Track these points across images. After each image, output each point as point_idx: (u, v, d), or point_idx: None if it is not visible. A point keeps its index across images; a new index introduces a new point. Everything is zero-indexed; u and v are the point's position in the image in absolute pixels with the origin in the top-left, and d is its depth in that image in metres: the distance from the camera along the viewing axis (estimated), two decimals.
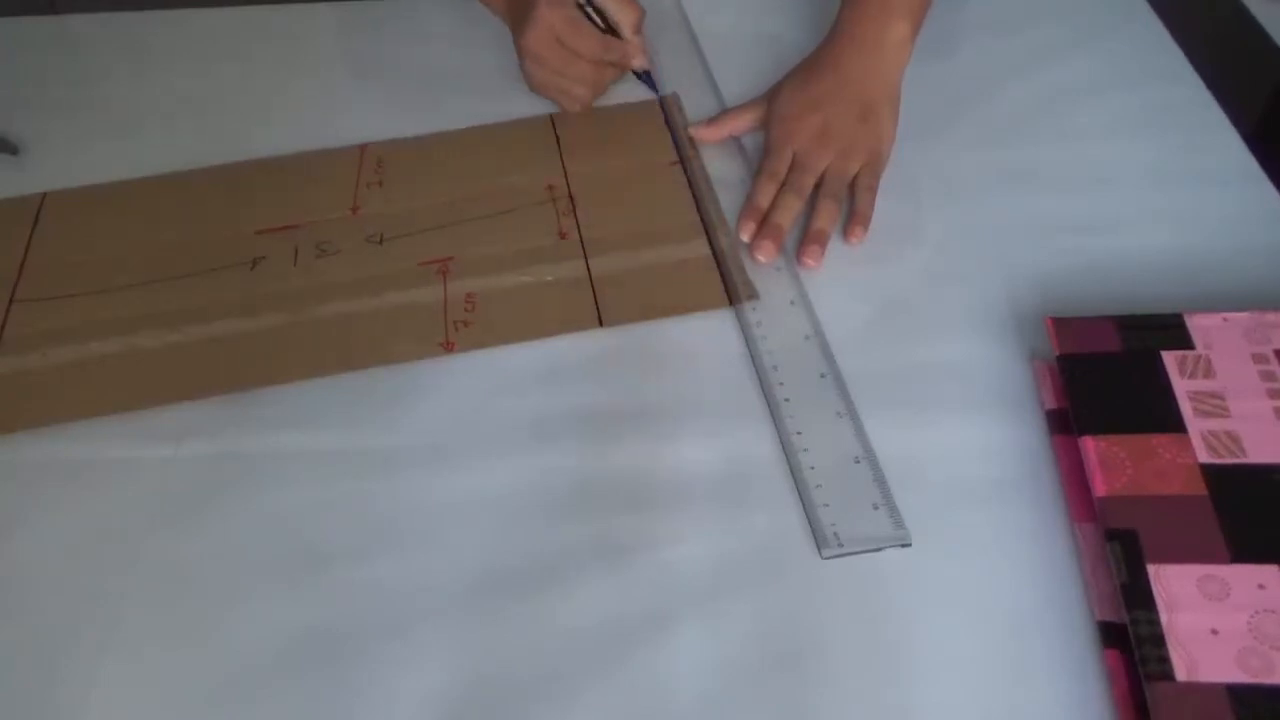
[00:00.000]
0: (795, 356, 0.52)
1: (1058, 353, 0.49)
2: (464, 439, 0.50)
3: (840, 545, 0.45)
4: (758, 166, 0.61)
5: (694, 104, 0.67)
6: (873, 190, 0.59)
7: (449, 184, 0.62)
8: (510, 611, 0.44)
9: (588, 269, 0.57)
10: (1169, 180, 0.60)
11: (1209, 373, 0.47)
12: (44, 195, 0.63)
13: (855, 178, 0.60)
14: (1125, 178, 0.60)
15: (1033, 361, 0.51)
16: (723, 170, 0.63)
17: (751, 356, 0.52)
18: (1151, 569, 0.41)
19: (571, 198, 0.61)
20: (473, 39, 0.71)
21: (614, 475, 0.48)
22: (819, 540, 0.45)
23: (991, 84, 0.67)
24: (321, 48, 0.74)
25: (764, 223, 0.58)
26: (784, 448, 0.49)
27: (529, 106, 0.66)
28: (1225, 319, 0.48)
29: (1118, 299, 0.52)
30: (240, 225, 0.60)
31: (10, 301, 0.57)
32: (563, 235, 0.59)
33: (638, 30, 0.63)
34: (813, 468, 0.48)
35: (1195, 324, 0.48)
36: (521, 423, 0.50)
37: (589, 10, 0.62)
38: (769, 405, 0.50)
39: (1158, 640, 0.39)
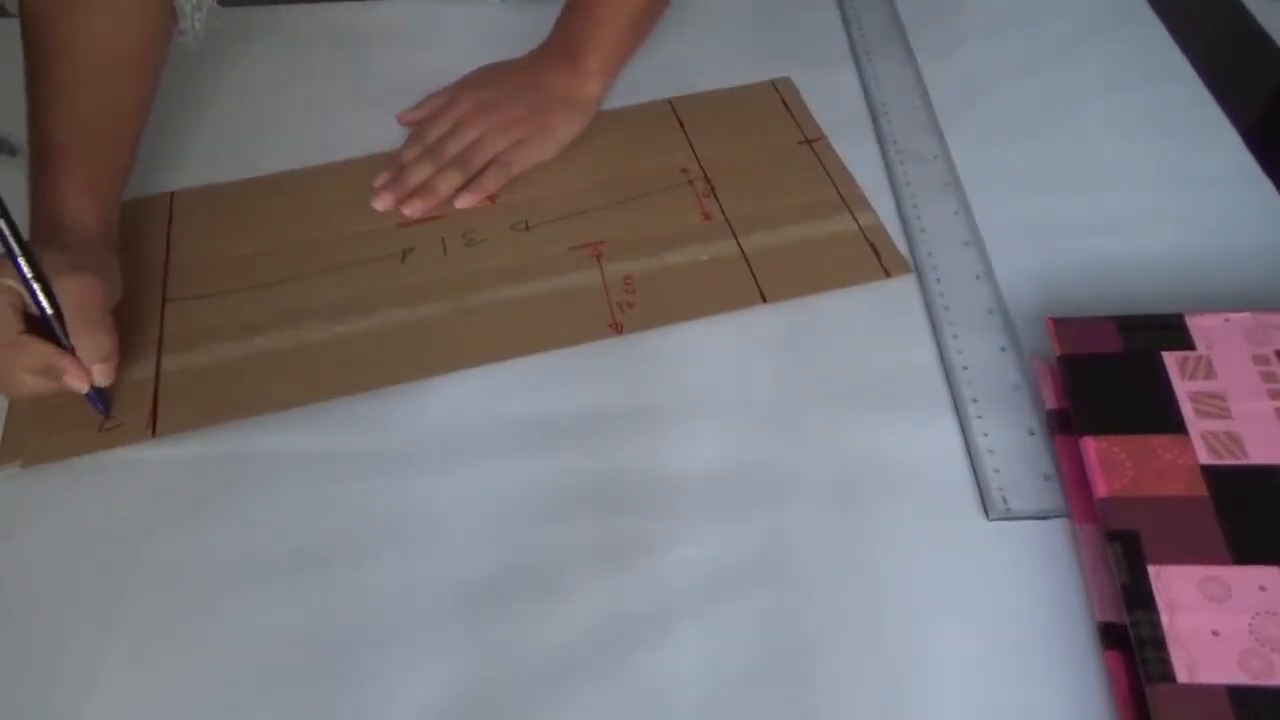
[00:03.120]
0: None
1: (1058, 353, 0.49)
2: (465, 439, 0.50)
3: (1010, 508, 0.46)
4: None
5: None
6: (507, 169, 0.62)
7: (581, 171, 0.63)
8: (511, 612, 0.44)
9: (740, 248, 0.57)
10: (1169, 180, 0.60)
11: (1210, 373, 0.46)
12: (172, 194, 0.63)
13: (498, 154, 0.62)
14: (1125, 178, 0.60)
15: (1033, 361, 0.51)
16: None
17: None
18: (1152, 570, 0.41)
19: (708, 179, 0.61)
20: (476, 39, 0.71)
21: (613, 474, 0.48)
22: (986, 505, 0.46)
23: (991, 84, 0.67)
24: (321, 49, 0.74)
25: (400, 180, 0.61)
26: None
27: None
28: (1226, 319, 0.48)
29: (1118, 299, 0.52)
30: (379, 219, 0.61)
31: (164, 301, 0.57)
32: (706, 217, 0.59)
33: (101, 359, 0.50)
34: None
35: (1196, 324, 0.48)
36: (527, 425, 0.50)
37: (44, 306, 0.48)
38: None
39: (1159, 641, 0.39)
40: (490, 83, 0.65)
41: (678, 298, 0.55)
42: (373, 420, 0.51)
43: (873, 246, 0.57)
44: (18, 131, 0.66)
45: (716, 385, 0.52)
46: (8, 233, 0.46)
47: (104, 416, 0.51)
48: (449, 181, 0.61)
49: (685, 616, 0.43)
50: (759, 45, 0.71)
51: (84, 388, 0.50)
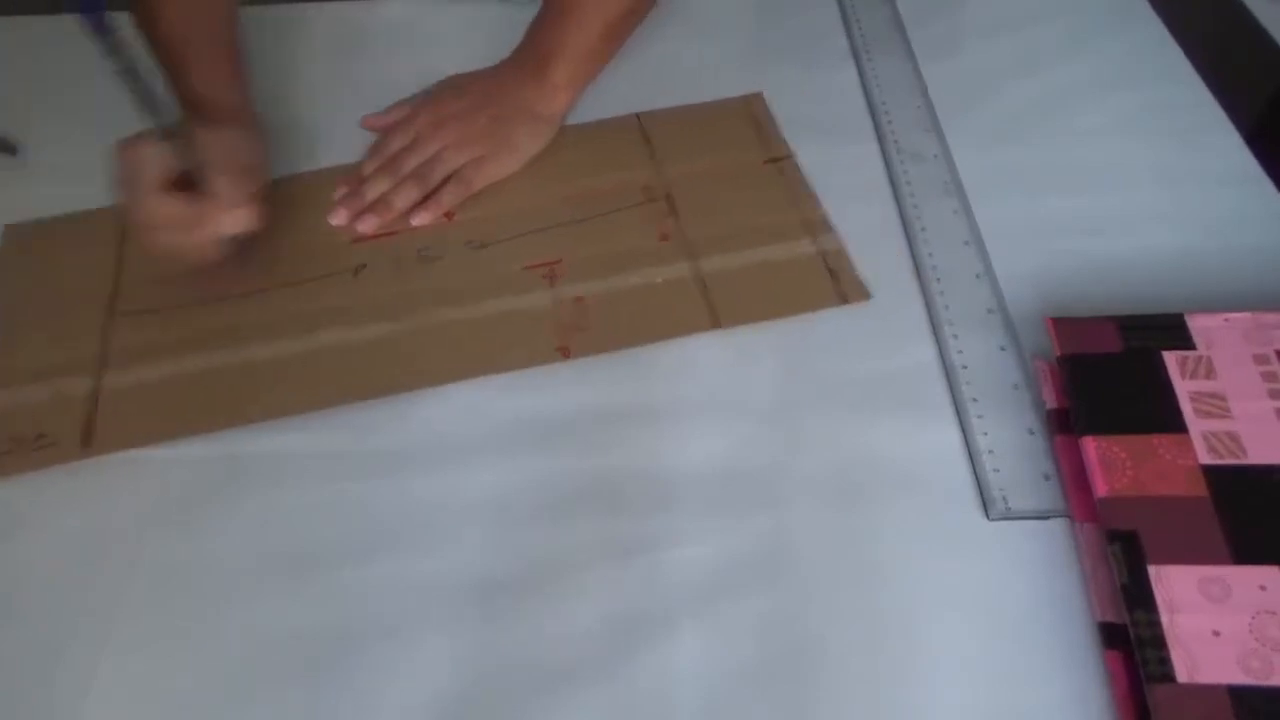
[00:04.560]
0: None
1: (1058, 353, 0.49)
2: (465, 439, 0.50)
3: (1010, 508, 0.46)
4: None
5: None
6: (466, 186, 0.60)
7: (541, 187, 0.61)
8: (511, 612, 0.44)
9: (696, 270, 0.56)
10: (1169, 180, 0.60)
11: (1210, 373, 0.46)
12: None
13: (458, 169, 0.61)
14: (1125, 178, 0.60)
15: (1033, 361, 0.51)
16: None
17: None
18: (1152, 570, 0.41)
19: (670, 198, 0.60)
20: (476, 40, 0.71)
21: (613, 474, 0.48)
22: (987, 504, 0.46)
23: (991, 84, 0.67)
24: (322, 50, 0.74)
25: (357, 195, 0.60)
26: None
27: None
28: (1226, 319, 0.48)
29: (1118, 299, 0.52)
30: (333, 234, 0.60)
31: (111, 315, 0.56)
32: (665, 237, 0.58)
33: (237, 204, 0.53)
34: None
35: (1196, 324, 0.48)
36: (527, 424, 0.50)
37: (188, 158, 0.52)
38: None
39: (1159, 641, 0.39)
40: (454, 95, 0.64)
41: (628, 322, 0.54)
42: (372, 421, 0.51)
43: (831, 271, 0.55)
44: (18, 131, 0.67)
45: (717, 384, 0.52)
46: (147, 91, 0.49)
47: (243, 276, 0.55)
48: (405, 197, 0.60)
49: (686, 616, 0.43)
50: (759, 45, 0.71)
51: (218, 233, 0.53)
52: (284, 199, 0.61)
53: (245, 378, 0.53)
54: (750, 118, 0.65)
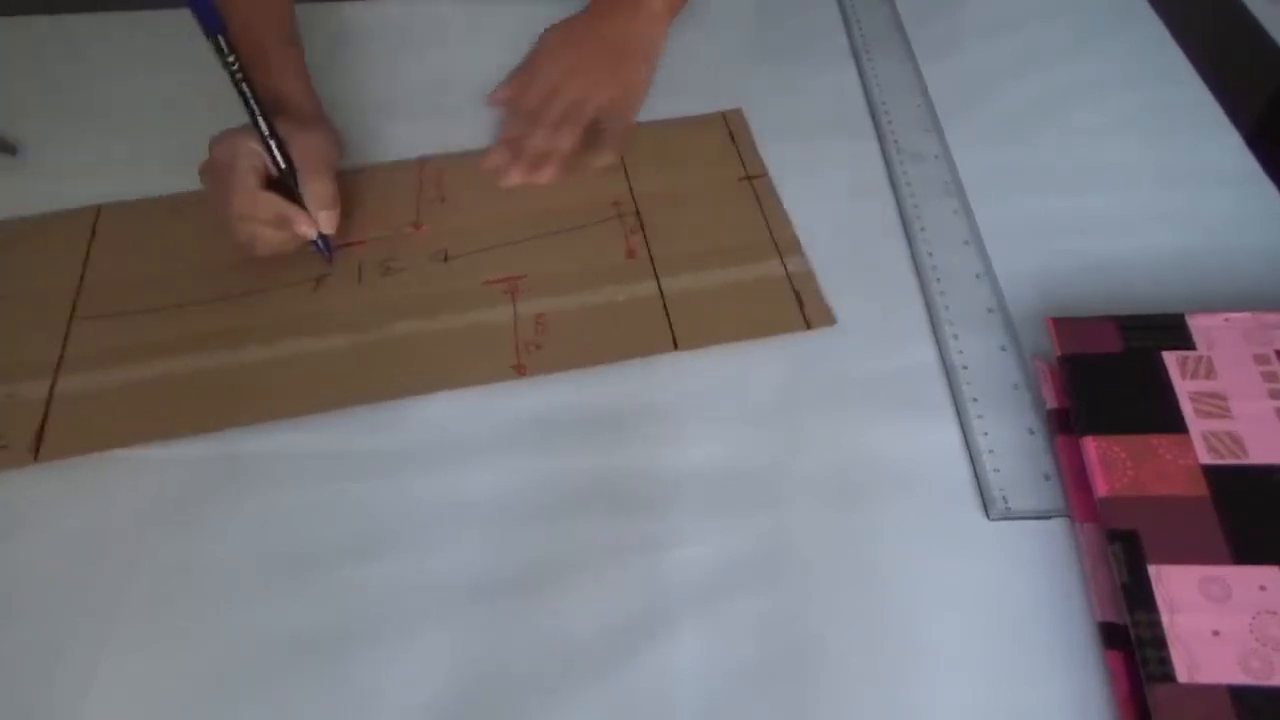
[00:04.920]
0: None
1: (1059, 353, 0.49)
2: (466, 439, 0.50)
3: (1011, 507, 0.46)
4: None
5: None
6: (619, 136, 0.63)
7: (510, 201, 0.61)
8: (511, 611, 0.44)
9: (659, 289, 0.55)
10: (1169, 180, 0.60)
11: (1210, 373, 0.46)
12: (99, 209, 0.62)
13: (608, 115, 0.63)
14: (1125, 178, 0.60)
15: (1033, 361, 0.51)
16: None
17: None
18: (1153, 570, 0.41)
19: (639, 214, 0.59)
20: (480, 41, 0.71)
21: (613, 474, 0.48)
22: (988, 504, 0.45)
23: (991, 84, 0.67)
24: (324, 49, 0.74)
25: (519, 151, 0.61)
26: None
27: None
28: (1226, 319, 0.48)
29: (1118, 299, 0.52)
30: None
31: (71, 318, 0.56)
32: (631, 254, 0.57)
33: (325, 206, 0.56)
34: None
35: (1196, 324, 0.48)
36: (527, 424, 0.50)
37: (279, 160, 0.55)
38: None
39: (1159, 641, 0.39)
40: (565, 45, 0.66)
41: (587, 341, 0.53)
42: (372, 420, 0.51)
43: (797, 295, 0.54)
44: (18, 131, 0.67)
45: (717, 384, 0.52)
46: (250, 99, 0.53)
47: (328, 261, 0.57)
48: (568, 138, 0.62)
49: (686, 616, 0.43)
50: (760, 45, 0.71)
51: (312, 234, 0.56)
52: None
53: (201, 387, 0.52)
54: (728, 134, 0.64)
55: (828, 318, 0.54)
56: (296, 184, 0.55)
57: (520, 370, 0.52)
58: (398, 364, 0.53)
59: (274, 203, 0.55)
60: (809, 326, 0.53)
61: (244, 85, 0.53)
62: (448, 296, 0.56)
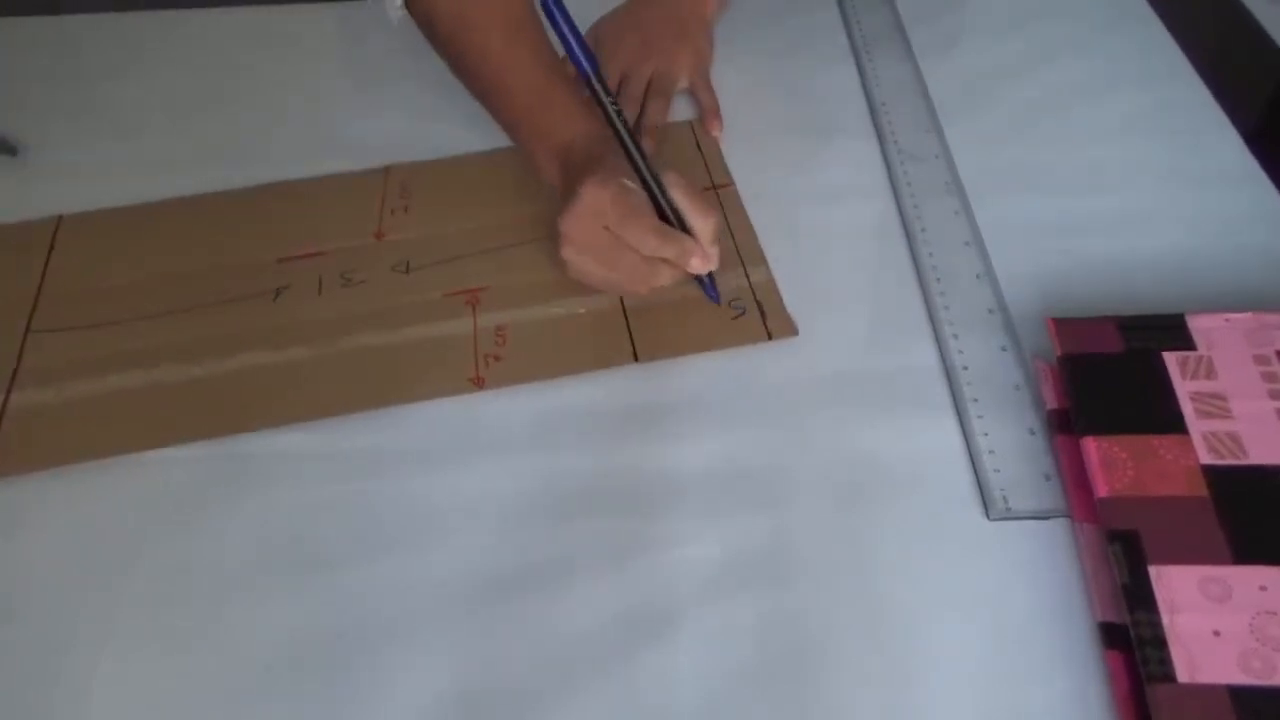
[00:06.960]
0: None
1: (1059, 353, 0.49)
2: (466, 438, 0.50)
3: (1011, 507, 0.46)
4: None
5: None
6: (711, 90, 0.66)
7: (475, 210, 0.60)
8: (512, 611, 0.44)
9: (621, 302, 0.55)
10: (1169, 180, 0.60)
11: (1210, 374, 0.46)
12: (59, 218, 0.61)
13: (692, 83, 0.66)
14: (1125, 178, 0.60)
15: (1034, 361, 0.51)
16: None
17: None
18: (1153, 570, 0.41)
19: None
20: None
21: (615, 474, 0.48)
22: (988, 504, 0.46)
23: (991, 84, 0.67)
24: (324, 50, 0.74)
25: None
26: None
27: None
28: (1227, 319, 0.48)
29: (1118, 299, 0.52)
30: (262, 252, 0.58)
31: (26, 331, 0.55)
32: None
33: (714, 241, 0.52)
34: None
35: (1197, 325, 0.48)
36: (528, 424, 0.50)
37: (658, 196, 0.51)
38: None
39: (1159, 641, 0.39)
40: (625, 29, 0.67)
41: (547, 353, 0.53)
42: (372, 420, 0.51)
43: (759, 305, 0.54)
44: (18, 131, 0.67)
45: (718, 384, 0.52)
46: (629, 141, 0.50)
47: (715, 303, 0.54)
48: (658, 110, 0.64)
49: (687, 616, 0.43)
50: (760, 45, 0.71)
51: (707, 268, 0.52)
52: (209, 215, 0.61)
53: (160, 400, 0.52)
54: (695, 143, 0.64)
55: (790, 329, 0.53)
56: (669, 217, 0.52)
57: (478, 383, 0.51)
58: (357, 377, 0.52)
59: (677, 236, 0.51)
60: (770, 337, 0.53)
61: (622, 124, 0.50)
62: (408, 308, 0.55)
